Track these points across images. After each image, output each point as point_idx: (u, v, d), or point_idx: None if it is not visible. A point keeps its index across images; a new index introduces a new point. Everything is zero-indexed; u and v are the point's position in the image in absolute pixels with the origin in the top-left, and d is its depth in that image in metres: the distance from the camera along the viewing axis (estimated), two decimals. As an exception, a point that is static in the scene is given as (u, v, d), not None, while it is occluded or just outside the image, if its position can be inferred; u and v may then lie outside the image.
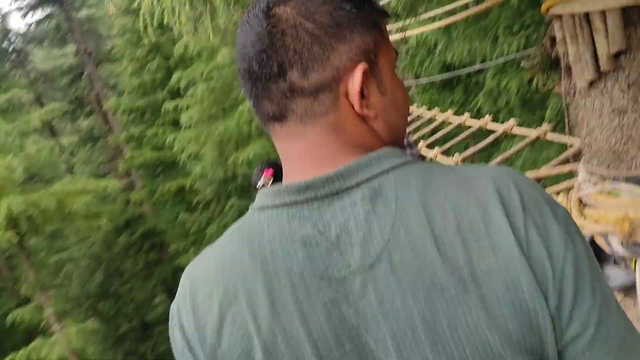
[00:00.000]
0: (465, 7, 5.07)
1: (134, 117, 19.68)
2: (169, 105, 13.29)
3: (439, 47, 6.65)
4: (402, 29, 6.03)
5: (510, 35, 5.31)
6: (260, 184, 2.33)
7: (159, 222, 22.27)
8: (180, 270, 19.56)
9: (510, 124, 5.25)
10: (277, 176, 2.38)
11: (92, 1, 27.39)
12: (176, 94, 18.17)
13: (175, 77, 11.80)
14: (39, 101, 23.22)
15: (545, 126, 4.83)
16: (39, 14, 25.32)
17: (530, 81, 5.26)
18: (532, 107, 5.85)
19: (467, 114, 6.18)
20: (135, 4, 18.30)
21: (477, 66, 6.31)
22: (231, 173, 14.67)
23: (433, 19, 5.89)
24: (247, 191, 15.84)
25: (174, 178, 20.58)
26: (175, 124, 18.62)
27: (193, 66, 12.41)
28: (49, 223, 10.12)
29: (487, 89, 6.30)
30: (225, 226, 16.26)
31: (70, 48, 27.67)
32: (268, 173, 2.34)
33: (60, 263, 22.58)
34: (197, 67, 11.62)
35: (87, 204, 9.99)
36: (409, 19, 5.88)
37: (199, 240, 18.17)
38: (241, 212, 15.10)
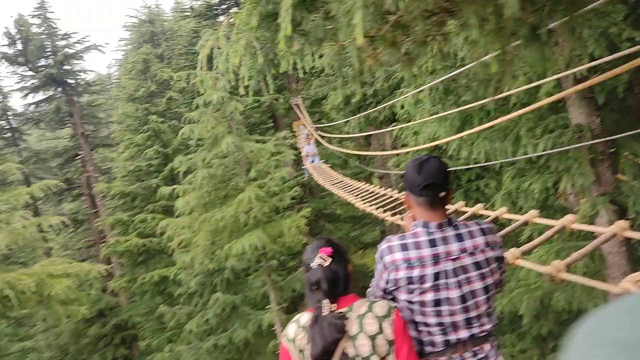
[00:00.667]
0: (482, 108, 5.05)
1: (124, 202, 19.40)
2: (165, 190, 13.06)
3: (452, 146, 6.63)
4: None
5: (534, 138, 5.30)
6: (316, 263, 2.05)
7: (134, 313, 21.27)
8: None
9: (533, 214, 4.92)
10: (337, 253, 2.09)
11: (95, 88, 28.05)
12: (170, 181, 18.10)
13: (176, 160, 11.70)
14: (27, 181, 22.93)
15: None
16: (41, 95, 25.81)
17: (555, 185, 5.16)
18: (553, 213, 5.71)
19: (480, 205, 6.08)
20: (139, 92, 18.48)
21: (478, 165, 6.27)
22: (218, 265, 14.15)
23: (450, 121, 5.87)
24: (233, 285, 15.22)
25: (156, 267, 19.94)
26: (166, 212, 18.34)
27: (196, 151, 12.39)
28: (24, 306, 9.42)
29: (506, 191, 6.16)
30: (207, 322, 15.50)
31: (67, 130, 27.96)
32: (326, 251, 2.07)
33: (24, 352, 21.14)
34: (200, 153, 11.58)
35: (67, 288, 9.35)
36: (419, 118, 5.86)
37: (175, 338, 17.18)
38: (224, 308, 14.34)
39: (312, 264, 2.05)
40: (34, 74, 24.28)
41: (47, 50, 24.28)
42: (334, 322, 1.95)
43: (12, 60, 24.07)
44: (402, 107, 11.08)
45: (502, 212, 5.30)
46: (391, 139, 19.95)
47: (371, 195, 9.42)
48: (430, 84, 5.31)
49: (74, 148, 25.09)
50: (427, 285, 2.05)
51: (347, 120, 15.99)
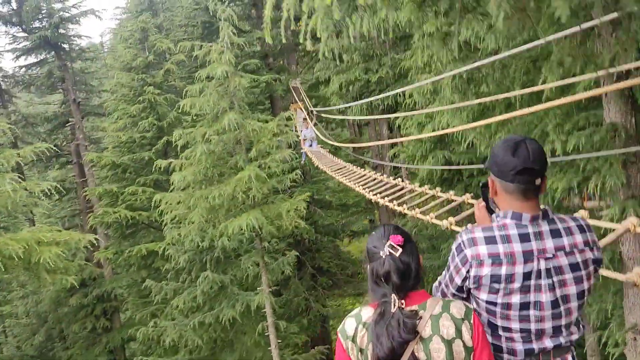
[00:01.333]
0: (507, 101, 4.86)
1: (114, 173, 19.00)
2: (161, 163, 12.72)
3: (469, 139, 6.40)
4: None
5: (562, 134, 5.11)
6: (385, 251, 1.82)
7: (118, 285, 21.00)
8: (131, 341, 18.03)
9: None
10: (408, 243, 1.86)
11: (89, 54, 27.39)
12: (163, 155, 17.75)
13: (175, 133, 11.35)
14: (15, 145, 22.38)
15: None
16: (33, 58, 25.12)
17: (579, 185, 5.00)
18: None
19: (468, 195, 6.08)
20: (136, 62, 18.07)
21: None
22: (209, 243, 13.94)
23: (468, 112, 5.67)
24: (223, 264, 15.02)
25: (142, 241, 19.63)
26: (158, 186, 18.02)
27: (192, 126, 12.07)
28: (10, 272, 9.13)
29: None
30: (194, 299, 15.30)
31: (57, 96, 27.29)
32: (397, 240, 1.84)
33: (1, 317, 20.78)
34: (200, 127, 11.26)
35: (56, 256, 9.06)
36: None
37: (159, 313, 16.97)
38: (212, 286, 14.15)
39: (380, 253, 1.84)
40: (27, 35, 23.58)
41: (42, 11, 23.54)
42: (404, 321, 1.71)
43: (5, 20, 23.32)
44: (411, 95, 10.86)
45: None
46: (387, 130, 19.78)
47: (373, 182, 9.26)
48: (455, 71, 5.09)
49: (65, 114, 24.52)
50: (515, 285, 1.78)
51: (349, 106, 15.73)
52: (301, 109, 22.15)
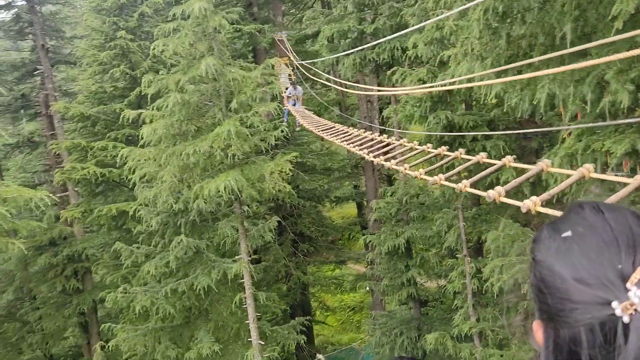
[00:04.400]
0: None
1: (83, 126, 17.57)
2: (129, 114, 11.37)
3: (494, 90, 5.29)
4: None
5: (628, 83, 4.04)
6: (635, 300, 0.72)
7: (89, 245, 19.89)
8: (104, 302, 17.09)
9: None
10: None
11: (60, -2, 25.47)
12: (137, 107, 16.36)
13: (145, 80, 10.03)
14: (-22, 93, 20.80)
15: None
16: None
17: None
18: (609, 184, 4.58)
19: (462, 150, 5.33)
20: (107, 3, 16.51)
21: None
22: (184, 205, 12.80)
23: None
24: (199, 228, 13.94)
25: (115, 200, 18.44)
26: (130, 142, 16.68)
27: (169, 72, 10.72)
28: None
29: (567, 152, 4.87)
30: (167, 265, 14.27)
31: (27, 43, 25.50)
32: None
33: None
34: (173, 74, 9.92)
35: (0, 216, 7.88)
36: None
37: (131, 277, 15.94)
38: (187, 252, 13.10)
39: (613, 302, 0.75)
40: (-7, -26, 21.63)
41: (8, -53, 21.57)
42: None
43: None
44: (415, 46, 9.64)
45: (509, 160, 4.24)
46: (377, 91, 18.57)
47: (361, 139, 8.45)
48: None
49: (33, 62, 22.82)
50: None
51: (338, 57, 14.36)
52: (286, 64, 20.76)
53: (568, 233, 0.83)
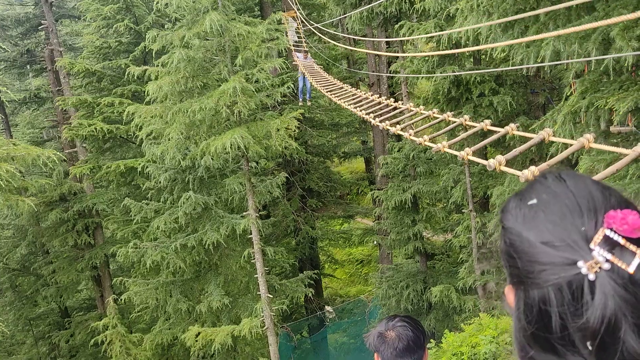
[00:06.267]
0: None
1: (89, 82, 17.48)
2: (134, 70, 11.29)
3: (499, 48, 5.19)
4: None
5: (634, 40, 3.94)
6: (599, 258, 0.76)
7: (99, 201, 20.15)
8: (114, 258, 17.48)
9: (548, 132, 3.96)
10: None
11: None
12: (142, 63, 16.22)
13: (149, 35, 9.91)
14: (-18, 47, 20.62)
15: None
16: (0, -48, 22.77)
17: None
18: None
19: (466, 116, 5.34)
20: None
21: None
22: (192, 162, 12.88)
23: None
24: (207, 184, 14.06)
25: (124, 156, 18.54)
26: (136, 98, 16.63)
27: (173, 26, 10.57)
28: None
29: (570, 109, 4.82)
30: (176, 221, 14.48)
31: (29, -3, 25.10)
32: (633, 225, 0.77)
33: (-22, 230, 20.17)
34: (178, 29, 9.79)
35: (9, 174, 7.96)
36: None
37: (141, 233, 16.20)
38: (195, 208, 13.23)
39: (579, 261, 0.79)
40: None
41: None
42: None
43: None
44: (422, -1, 9.41)
45: (512, 127, 4.24)
46: (385, 44, 18.26)
47: (367, 101, 8.43)
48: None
49: (37, 17, 22.50)
50: None
51: (345, 16, 14.07)
52: (293, 17, 20.35)
53: (534, 201, 0.88)
